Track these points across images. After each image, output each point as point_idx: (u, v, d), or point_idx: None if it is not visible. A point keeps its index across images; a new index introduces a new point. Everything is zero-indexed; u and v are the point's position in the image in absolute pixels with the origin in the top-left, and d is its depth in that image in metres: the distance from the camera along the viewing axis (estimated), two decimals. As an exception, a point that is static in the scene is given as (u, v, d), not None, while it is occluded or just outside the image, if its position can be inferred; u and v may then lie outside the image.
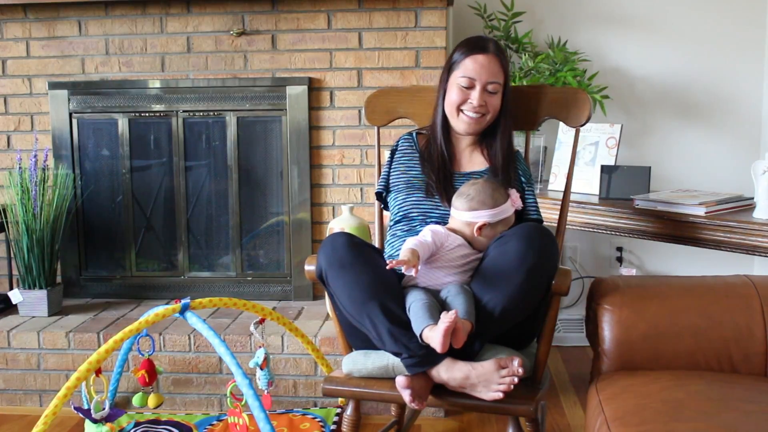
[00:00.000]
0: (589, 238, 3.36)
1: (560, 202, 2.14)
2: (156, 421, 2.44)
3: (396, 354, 1.73)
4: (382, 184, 2.15)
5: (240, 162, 3.02)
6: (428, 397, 1.72)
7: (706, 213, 2.26)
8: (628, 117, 3.28)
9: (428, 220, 1.99)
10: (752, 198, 2.33)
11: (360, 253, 1.79)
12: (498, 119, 2.06)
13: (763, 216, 2.19)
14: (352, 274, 1.76)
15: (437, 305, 1.73)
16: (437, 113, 2.10)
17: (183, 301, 2.08)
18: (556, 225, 2.14)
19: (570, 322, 3.36)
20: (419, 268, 1.75)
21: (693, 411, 1.49)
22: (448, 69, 2.06)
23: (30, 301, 2.84)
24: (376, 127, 2.30)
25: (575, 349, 3.20)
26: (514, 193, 1.94)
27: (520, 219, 2.03)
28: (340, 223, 2.67)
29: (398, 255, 1.82)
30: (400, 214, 2.05)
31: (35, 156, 2.84)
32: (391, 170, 2.15)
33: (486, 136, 2.09)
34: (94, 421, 2.23)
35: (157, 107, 3.01)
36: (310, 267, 1.91)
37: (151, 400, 2.34)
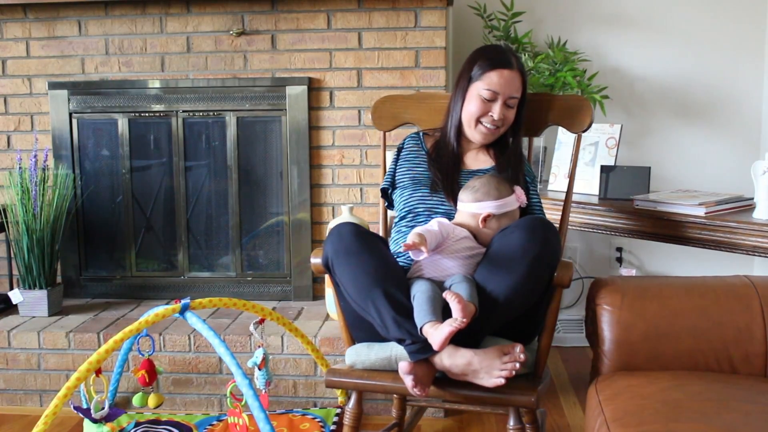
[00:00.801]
0: (589, 239, 3.36)
1: (561, 203, 2.15)
2: (156, 421, 2.44)
3: (399, 341, 1.74)
4: (388, 180, 2.18)
5: (240, 162, 3.02)
6: (430, 384, 1.73)
7: (706, 213, 2.25)
8: (628, 117, 3.28)
9: (433, 216, 2.01)
10: (752, 198, 2.33)
11: (366, 241, 1.81)
12: (510, 129, 2.12)
13: (763, 216, 2.19)
14: (357, 262, 1.78)
15: (441, 298, 1.74)
16: (451, 118, 2.12)
17: (183, 302, 2.08)
18: (557, 226, 2.14)
19: (570, 322, 3.37)
20: (427, 254, 1.77)
21: (693, 411, 1.49)
22: (469, 78, 2.08)
23: (30, 301, 2.84)
24: (376, 128, 2.32)
25: (575, 350, 3.20)
26: (519, 190, 1.96)
27: None
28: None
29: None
30: (406, 209, 2.07)
31: (35, 156, 2.84)
32: (397, 167, 2.17)
33: (497, 143, 2.14)
34: (94, 421, 2.24)
35: (157, 107, 3.01)
36: (316, 260, 1.92)
37: (151, 400, 2.34)
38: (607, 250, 3.38)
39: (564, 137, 2.83)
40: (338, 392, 2.56)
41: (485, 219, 1.89)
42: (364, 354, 1.85)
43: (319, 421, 2.46)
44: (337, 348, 2.57)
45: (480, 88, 2.04)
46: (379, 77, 2.91)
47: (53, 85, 3.02)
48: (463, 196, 1.95)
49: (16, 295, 2.84)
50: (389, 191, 2.18)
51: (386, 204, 2.23)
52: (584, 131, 2.17)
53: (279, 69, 2.95)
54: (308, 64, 2.93)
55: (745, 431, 1.41)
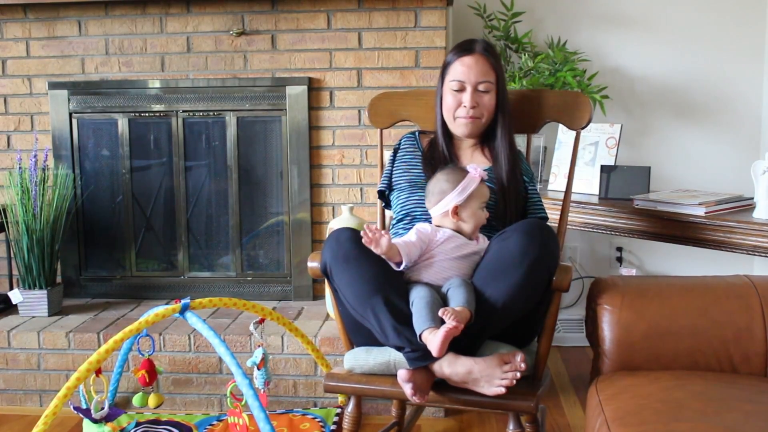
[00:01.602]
0: (589, 238, 3.36)
1: (560, 203, 2.15)
2: (156, 421, 2.44)
3: (398, 348, 1.73)
4: (385, 182, 2.17)
5: (240, 162, 3.02)
6: (429, 391, 1.73)
7: (706, 213, 2.26)
8: (628, 117, 3.28)
9: (430, 220, 1.99)
10: (752, 198, 2.33)
11: (364, 248, 1.80)
12: (496, 118, 2.07)
13: (763, 216, 2.19)
14: (356, 268, 1.77)
15: (440, 302, 1.74)
16: (437, 119, 2.13)
17: (183, 301, 2.07)
18: (556, 225, 2.14)
19: (570, 322, 3.37)
20: (407, 264, 1.80)
21: (693, 411, 1.49)
22: (442, 75, 2.09)
23: (30, 301, 2.84)
24: (377, 128, 2.31)
25: (575, 349, 3.20)
26: (473, 166, 1.92)
27: (525, 217, 2.05)
28: (339, 223, 2.67)
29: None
30: (403, 212, 2.07)
31: (35, 156, 2.84)
32: (394, 169, 2.16)
33: (487, 137, 2.11)
34: (95, 421, 2.24)
35: (157, 107, 3.01)
36: (313, 263, 1.91)
37: (152, 400, 2.34)
38: (607, 249, 3.38)
39: (564, 137, 2.83)
40: (338, 392, 2.56)
41: (455, 212, 1.88)
42: (362, 358, 1.84)
43: (319, 421, 2.46)
44: (337, 348, 2.57)
45: (448, 81, 2.05)
46: (379, 77, 2.91)
47: (53, 85, 3.02)
48: (427, 203, 1.95)
49: (16, 295, 2.84)
50: (386, 193, 2.17)
51: (383, 204, 2.22)
52: (583, 128, 2.14)
53: (279, 69, 2.95)
54: (308, 64, 2.93)
55: (745, 431, 1.41)
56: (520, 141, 2.49)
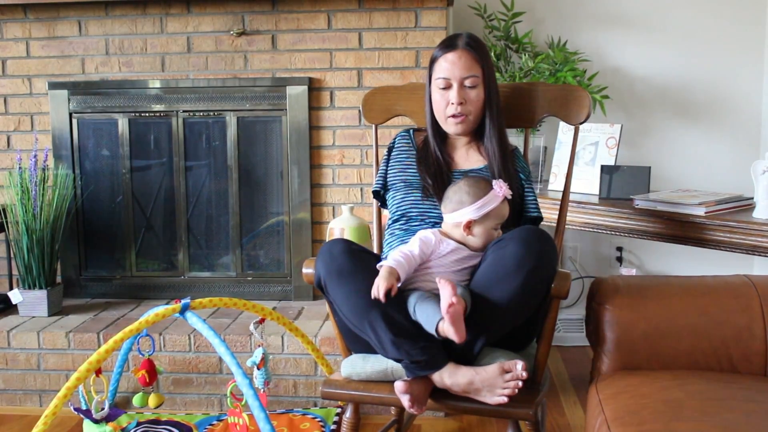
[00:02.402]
0: (589, 238, 3.36)
1: (560, 202, 2.14)
2: (156, 421, 2.44)
3: (398, 360, 1.72)
4: (380, 182, 2.14)
5: (240, 162, 3.02)
6: (427, 401, 1.72)
7: (706, 213, 2.26)
8: (628, 117, 3.28)
9: (427, 220, 1.98)
10: (752, 198, 2.33)
11: (359, 261, 1.78)
12: (485, 113, 2.04)
13: (763, 216, 2.19)
14: (351, 283, 1.75)
15: (439, 301, 1.73)
16: (427, 119, 2.10)
17: (183, 301, 2.08)
18: (555, 225, 2.14)
19: (570, 322, 3.36)
20: (403, 279, 1.76)
21: (693, 411, 1.49)
22: (429, 74, 2.06)
23: (30, 301, 2.84)
24: (371, 124, 2.29)
25: (575, 349, 3.20)
26: (499, 183, 1.86)
27: (520, 216, 2.02)
28: (340, 223, 2.67)
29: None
30: (398, 213, 2.04)
31: (35, 156, 2.84)
32: (389, 168, 2.13)
33: (481, 135, 2.07)
34: (95, 421, 2.24)
35: (157, 107, 3.01)
36: (308, 270, 1.89)
37: (152, 400, 2.34)
38: (607, 249, 3.38)
39: (564, 137, 2.83)
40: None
41: (467, 226, 1.83)
42: (359, 366, 1.82)
43: (319, 421, 2.46)
44: (338, 348, 2.57)
45: (435, 80, 2.02)
46: (380, 77, 2.91)
47: (53, 85, 3.02)
48: (443, 207, 1.90)
49: (15, 295, 2.84)
50: (381, 193, 2.14)
51: (379, 204, 2.19)
52: (582, 122, 2.11)
53: (279, 69, 2.95)
54: (308, 64, 2.93)
55: (745, 430, 1.41)
56: (519, 140, 2.49)
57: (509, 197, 1.86)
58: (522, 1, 3.17)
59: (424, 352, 1.69)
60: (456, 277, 1.81)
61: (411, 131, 2.19)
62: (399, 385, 1.66)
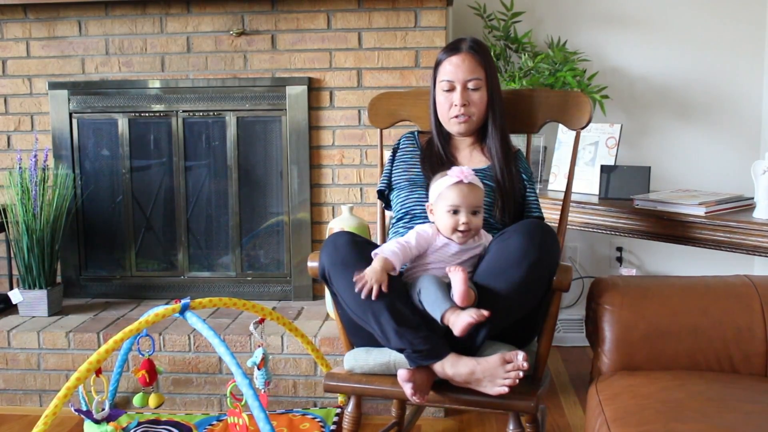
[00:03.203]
0: (589, 238, 3.36)
1: (560, 203, 2.14)
2: (156, 421, 2.44)
3: (400, 350, 1.74)
4: (384, 182, 2.17)
5: (240, 162, 3.02)
6: (429, 391, 1.73)
7: (706, 213, 2.26)
8: (627, 117, 3.28)
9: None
10: (752, 198, 2.33)
11: (362, 252, 1.80)
12: (488, 115, 2.08)
13: (763, 216, 2.19)
14: (355, 274, 1.76)
15: (446, 287, 1.73)
16: (431, 119, 2.14)
17: (183, 301, 2.08)
18: (556, 225, 2.14)
19: (570, 322, 3.37)
20: (403, 268, 1.79)
21: (693, 411, 1.49)
22: (434, 77, 2.10)
23: (30, 301, 2.84)
24: (377, 128, 2.31)
25: (575, 349, 3.20)
26: (458, 168, 1.87)
27: (522, 217, 2.05)
28: (340, 223, 2.67)
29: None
30: (403, 211, 2.07)
31: (35, 156, 2.84)
32: (393, 168, 2.16)
33: (484, 136, 2.10)
34: (96, 422, 2.23)
35: (157, 107, 3.01)
36: (312, 263, 1.91)
37: (152, 400, 2.34)
38: (607, 249, 3.39)
39: (564, 137, 2.83)
40: (338, 392, 2.56)
41: (430, 211, 1.90)
42: (362, 359, 1.84)
43: (319, 421, 2.46)
44: (337, 348, 2.57)
45: (439, 82, 2.07)
46: (379, 77, 2.91)
47: (53, 85, 3.02)
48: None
49: (15, 295, 2.84)
50: (386, 192, 2.17)
51: (383, 205, 2.22)
52: (583, 128, 2.13)
53: (279, 69, 2.95)
54: (308, 64, 2.93)
55: (745, 431, 1.41)
56: (520, 141, 2.49)
57: (466, 181, 1.85)
58: (522, 1, 3.17)
59: (426, 341, 1.70)
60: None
61: (416, 133, 2.23)
62: (402, 374, 1.68)
